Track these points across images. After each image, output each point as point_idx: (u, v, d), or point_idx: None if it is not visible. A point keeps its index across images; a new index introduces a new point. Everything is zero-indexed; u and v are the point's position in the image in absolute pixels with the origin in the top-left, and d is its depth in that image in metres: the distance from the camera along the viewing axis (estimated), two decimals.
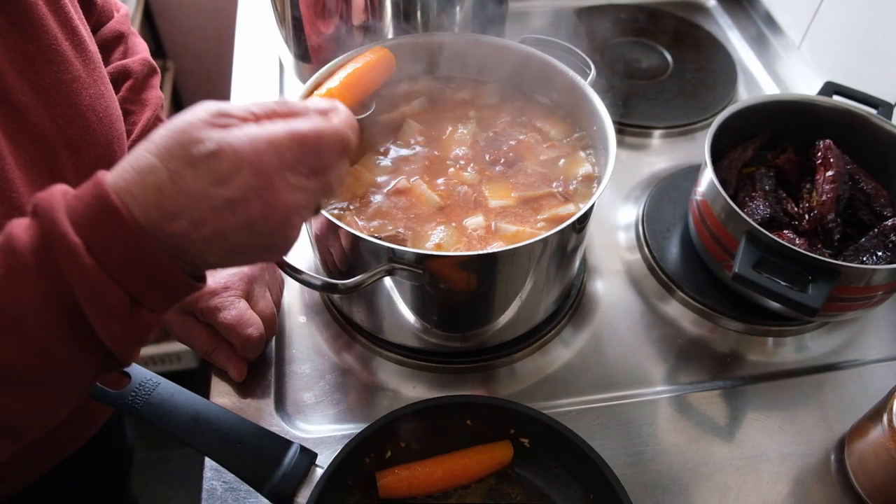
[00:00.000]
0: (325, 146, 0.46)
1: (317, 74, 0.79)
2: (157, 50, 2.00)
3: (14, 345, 0.40)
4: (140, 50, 0.84)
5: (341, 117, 0.48)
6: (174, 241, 0.43)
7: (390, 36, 0.95)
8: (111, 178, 0.43)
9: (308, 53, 1.02)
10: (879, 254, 0.83)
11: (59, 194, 0.42)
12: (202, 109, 0.44)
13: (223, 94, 1.15)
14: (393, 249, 0.65)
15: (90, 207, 0.41)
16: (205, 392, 0.74)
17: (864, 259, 0.82)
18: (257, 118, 0.46)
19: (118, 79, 0.80)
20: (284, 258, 0.66)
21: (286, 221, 0.45)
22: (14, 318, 0.40)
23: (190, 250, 0.44)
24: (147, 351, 1.96)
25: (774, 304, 0.83)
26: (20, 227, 0.42)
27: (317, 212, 0.54)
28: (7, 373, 0.41)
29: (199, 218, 0.42)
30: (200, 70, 2.06)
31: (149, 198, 0.42)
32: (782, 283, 0.74)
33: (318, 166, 0.47)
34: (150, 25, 1.94)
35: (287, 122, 0.46)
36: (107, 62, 0.81)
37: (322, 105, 0.48)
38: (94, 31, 0.81)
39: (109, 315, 0.42)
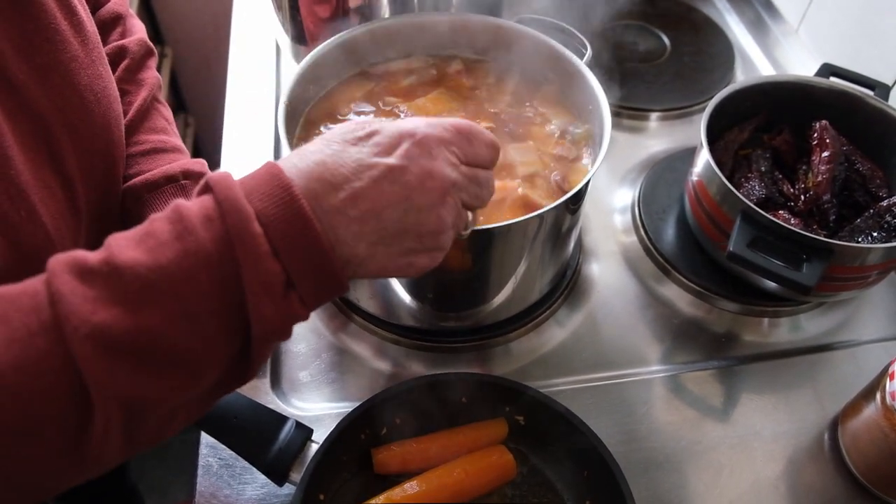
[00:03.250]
0: (478, 138, 0.50)
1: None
2: (155, 36, 2.00)
3: (165, 313, 0.39)
4: (137, 31, 0.84)
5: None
6: (331, 221, 0.43)
7: (386, 15, 0.95)
8: (282, 160, 0.44)
9: (304, 36, 1.02)
10: (875, 234, 0.83)
11: (230, 173, 0.43)
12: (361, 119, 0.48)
13: (221, 79, 1.15)
14: None
15: (262, 183, 0.42)
16: None
17: (860, 239, 0.83)
18: None
19: (114, 59, 0.79)
20: None
21: (441, 197, 0.46)
22: (172, 282, 0.39)
23: (343, 232, 0.43)
24: None
25: (770, 285, 0.83)
26: (189, 201, 0.42)
27: (466, 227, 0.52)
28: (152, 343, 0.39)
29: (359, 190, 0.43)
30: (198, 56, 2.05)
31: (312, 171, 0.43)
32: (777, 261, 0.74)
33: (471, 154, 0.49)
34: (147, 12, 1.94)
35: (446, 118, 0.50)
36: (104, 43, 0.80)
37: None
38: (92, 12, 0.81)
39: (265, 290, 0.41)
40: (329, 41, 0.83)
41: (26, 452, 0.38)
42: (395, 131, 0.46)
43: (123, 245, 0.40)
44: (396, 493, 0.66)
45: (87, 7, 0.68)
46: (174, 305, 0.39)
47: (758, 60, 1.23)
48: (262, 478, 0.67)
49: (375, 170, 0.44)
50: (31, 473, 0.39)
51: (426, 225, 0.46)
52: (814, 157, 0.87)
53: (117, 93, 0.71)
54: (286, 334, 0.45)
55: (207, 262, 0.40)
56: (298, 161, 0.44)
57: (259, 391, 0.77)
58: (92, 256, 0.40)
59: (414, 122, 0.47)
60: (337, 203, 0.43)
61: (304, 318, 0.45)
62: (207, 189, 0.42)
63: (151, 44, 0.84)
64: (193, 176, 0.79)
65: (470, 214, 0.52)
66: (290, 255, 0.42)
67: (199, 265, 0.40)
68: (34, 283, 0.39)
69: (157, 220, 0.41)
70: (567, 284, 0.88)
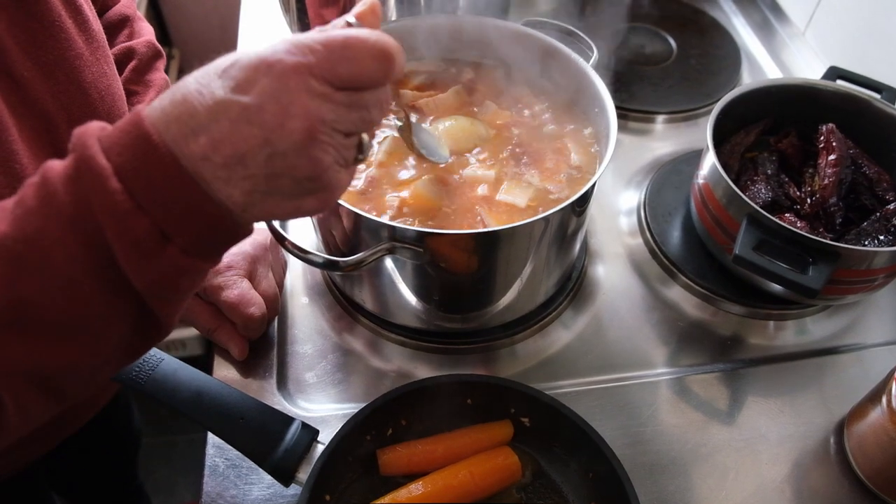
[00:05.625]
0: (358, 55, 0.40)
1: None
2: (163, 38, 2.01)
3: (39, 281, 0.38)
4: (145, 33, 0.85)
5: (385, 36, 0.42)
6: (196, 167, 0.39)
7: (393, 17, 0.95)
8: (150, 104, 0.41)
9: None
10: (881, 238, 0.83)
11: (96, 126, 0.41)
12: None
13: None
14: (393, 227, 0.65)
15: (123, 133, 0.40)
16: (208, 374, 0.74)
17: (866, 243, 0.82)
18: None
19: (122, 60, 0.80)
20: (285, 234, 0.66)
21: (309, 137, 0.40)
22: (40, 250, 0.38)
23: (213, 181, 0.40)
24: None
25: (776, 288, 0.83)
26: (56, 161, 0.40)
27: (361, 151, 0.45)
28: (34, 313, 0.39)
29: (218, 134, 0.39)
30: (206, 58, 2.05)
31: (173, 110, 0.40)
32: (782, 264, 0.74)
33: (348, 77, 0.40)
34: (156, 13, 1.95)
35: (322, 31, 0.41)
36: (112, 45, 0.81)
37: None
38: (100, 13, 0.81)
39: (136, 249, 0.39)
40: None
41: None
42: (253, 61, 0.40)
43: None
44: (402, 494, 0.67)
45: (92, 7, 0.69)
46: (47, 273, 0.39)
47: (764, 63, 1.23)
48: (268, 478, 0.67)
49: (232, 110, 0.39)
50: None
51: (299, 169, 0.41)
52: (820, 161, 0.87)
53: (122, 91, 0.71)
54: (184, 288, 0.43)
55: (71, 225, 0.39)
56: (164, 100, 0.41)
57: (265, 392, 0.77)
58: None
59: (274, 48, 0.40)
60: (198, 149, 0.39)
61: (202, 268, 0.43)
62: (72, 147, 0.41)
63: (159, 46, 0.85)
64: None
65: (364, 137, 0.45)
66: (158, 207, 0.39)
67: (64, 229, 0.39)
68: None
69: (28, 186, 0.40)
70: (573, 286, 0.88)
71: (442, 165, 0.76)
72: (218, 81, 0.40)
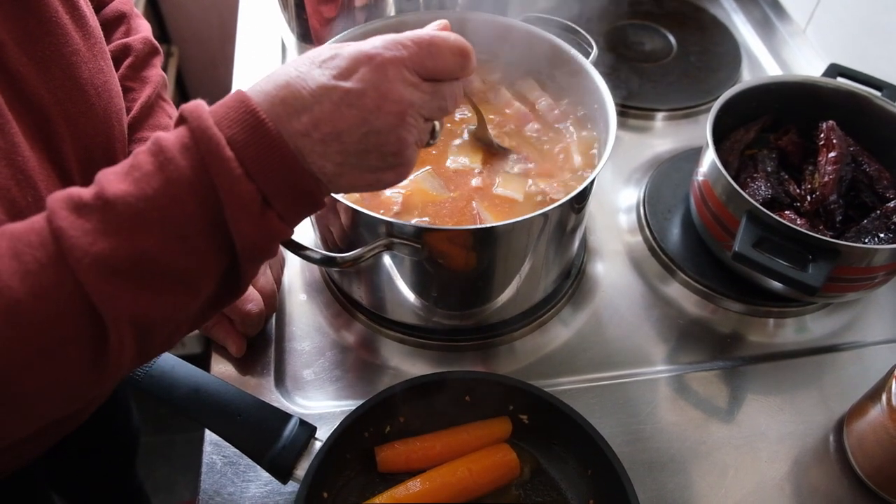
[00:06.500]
0: (442, 50, 0.49)
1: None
2: (162, 35, 2.00)
3: (157, 236, 0.43)
4: (142, 30, 0.84)
5: (462, 38, 0.51)
6: (297, 143, 0.46)
7: (392, 14, 0.95)
8: (249, 88, 0.47)
9: (310, 34, 1.02)
10: (881, 235, 0.83)
11: (202, 102, 0.46)
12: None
13: (227, 78, 1.15)
14: (391, 223, 0.65)
15: (231, 109, 0.45)
16: (206, 371, 0.74)
17: (866, 240, 0.82)
18: None
19: (118, 57, 0.80)
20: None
21: (400, 119, 0.48)
22: (159, 208, 0.43)
23: (309, 154, 0.46)
24: None
25: (775, 285, 0.83)
26: (166, 132, 0.45)
27: (432, 136, 0.54)
28: (149, 264, 0.43)
29: (320, 114, 0.46)
30: (205, 55, 2.06)
31: (276, 94, 0.46)
32: (782, 262, 0.74)
33: (433, 69, 0.49)
34: (154, 11, 1.94)
35: (410, 32, 0.50)
36: (108, 41, 0.81)
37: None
38: (97, 10, 0.81)
39: (243, 210, 0.44)
40: (335, 39, 0.83)
41: (55, 370, 0.43)
42: (354, 54, 0.47)
43: (112, 179, 0.44)
44: (400, 491, 0.66)
45: (89, 3, 0.69)
46: (165, 229, 0.43)
47: (764, 60, 1.23)
48: (265, 475, 0.67)
49: (335, 93, 0.46)
50: (61, 388, 0.44)
51: (387, 146, 0.48)
52: (820, 158, 0.87)
53: (119, 88, 0.71)
54: (270, 252, 0.49)
55: (190, 187, 0.44)
56: (266, 84, 0.47)
57: (263, 389, 0.77)
58: (85, 192, 0.43)
59: (373, 43, 0.48)
60: (301, 127, 0.46)
61: (287, 234, 0.49)
62: (182, 120, 0.45)
63: (156, 42, 0.84)
64: None
65: (436, 124, 0.54)
66: (263, 176, 0.45)
67: (183, 191, 0.44)
68: (38, 220, 0.43)
69: (141, 154, 0.45)
70: (572, 284, 0.88)
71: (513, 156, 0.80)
72: (318, 70, 0.47)
